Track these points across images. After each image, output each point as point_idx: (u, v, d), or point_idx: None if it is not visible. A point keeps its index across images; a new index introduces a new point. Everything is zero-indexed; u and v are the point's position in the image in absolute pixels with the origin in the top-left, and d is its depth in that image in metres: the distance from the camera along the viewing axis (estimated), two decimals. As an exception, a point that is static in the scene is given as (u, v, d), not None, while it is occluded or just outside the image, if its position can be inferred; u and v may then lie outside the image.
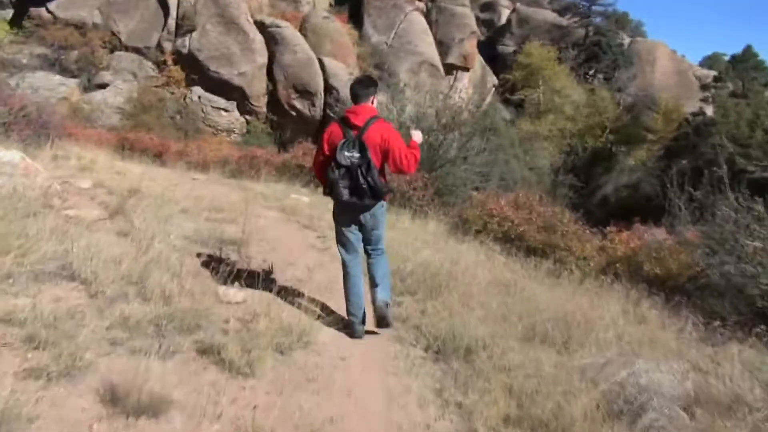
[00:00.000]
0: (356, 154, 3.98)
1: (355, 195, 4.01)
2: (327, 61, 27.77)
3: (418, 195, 11.56)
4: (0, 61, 25.73)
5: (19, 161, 5.79)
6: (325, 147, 4.17)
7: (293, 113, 27.28)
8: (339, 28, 30.44)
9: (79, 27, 26.93)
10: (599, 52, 38.40)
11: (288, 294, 4.74)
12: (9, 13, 29.18)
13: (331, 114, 25.10)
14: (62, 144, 10.63)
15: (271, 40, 27.66)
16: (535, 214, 10.02)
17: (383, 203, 4.23)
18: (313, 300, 4.70)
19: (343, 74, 26.31)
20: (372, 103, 4.23)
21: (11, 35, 27.47)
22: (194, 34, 26.89)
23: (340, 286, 4.50)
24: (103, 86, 25.80)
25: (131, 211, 5.99)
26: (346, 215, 4.23)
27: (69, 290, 3.83)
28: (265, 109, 27.68)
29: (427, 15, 35.03)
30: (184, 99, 26.63)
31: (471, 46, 35.14)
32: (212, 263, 5.00)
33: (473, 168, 14.63)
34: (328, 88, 27.09)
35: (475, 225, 9.77)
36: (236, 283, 4.67)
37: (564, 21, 40.62)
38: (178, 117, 26.05)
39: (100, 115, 24.30)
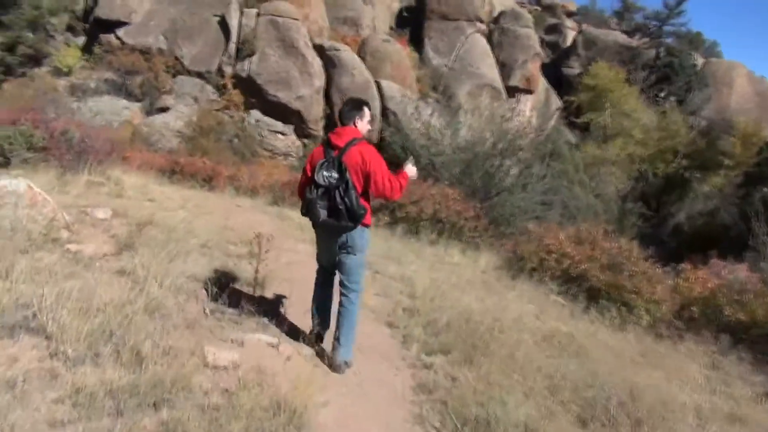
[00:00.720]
0: (335, 175, 3.86)
1: (332, 216, 3.87)
2: (385, 84, 27.35)
3: (469, 226, 10.69)
4: (70, 85, 26.75)
5: (24, 190, 5.37)
6: (308, 168, 4.10)
7: (350, 136, 26.86)
8: (399, 50, 30.00)
9: (145, 52, 27.62)
10: (671, 73, 36.42)
11: (295, 352, 4.03)
12: (81, 39, 30.35)
13: (388, 138, 24.56)
14: (104, 168, 10.39)
15: (329, 63, 27.52)
16: (598, 250, 8.93)
17: (364, 228, 4.03)
18: (324, 358, 3.99)
19: (400, 97, 25.73)
20: (356, 125, 4.14)
21: (83, 61, 28.51)
22: (254, 58, 27.03)
23: (363, 343, 3.87)
24: (164, 110, 26.22)
25: (143, 245, 5.45)
26: (324, 238, 4.14)
27: (28, 348, 3.23)
28: (322, 133, 27.39)
29: (489, 37, 34.22)
30: (242, 122, 26.72)
31: (534, 68, 34.04)
32: (215, 310, 4.37)
33: (533, 196, 13.62)
34: (385, 111, 26.63)
35: (531, 262, 8.79)
36: (236, 337, 4.01)
37: (633, 42, 38.90)
38: (235, 140, 26.11)
39: (160, 138, 24.61)
